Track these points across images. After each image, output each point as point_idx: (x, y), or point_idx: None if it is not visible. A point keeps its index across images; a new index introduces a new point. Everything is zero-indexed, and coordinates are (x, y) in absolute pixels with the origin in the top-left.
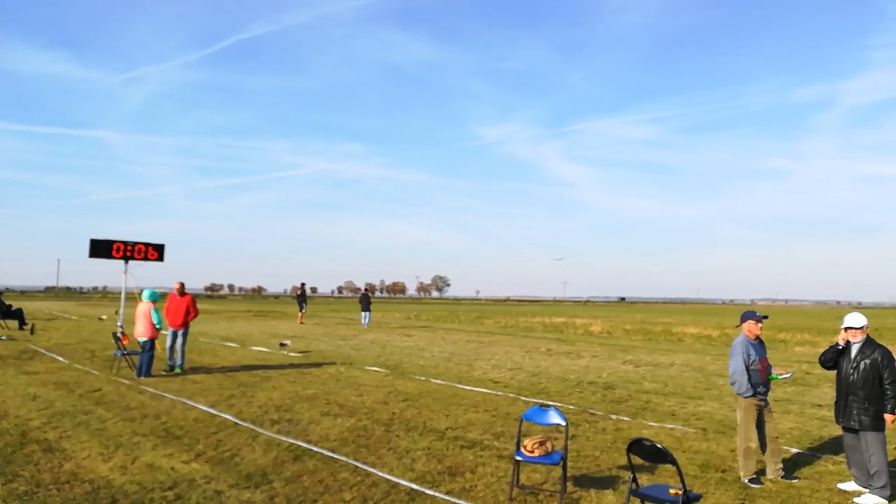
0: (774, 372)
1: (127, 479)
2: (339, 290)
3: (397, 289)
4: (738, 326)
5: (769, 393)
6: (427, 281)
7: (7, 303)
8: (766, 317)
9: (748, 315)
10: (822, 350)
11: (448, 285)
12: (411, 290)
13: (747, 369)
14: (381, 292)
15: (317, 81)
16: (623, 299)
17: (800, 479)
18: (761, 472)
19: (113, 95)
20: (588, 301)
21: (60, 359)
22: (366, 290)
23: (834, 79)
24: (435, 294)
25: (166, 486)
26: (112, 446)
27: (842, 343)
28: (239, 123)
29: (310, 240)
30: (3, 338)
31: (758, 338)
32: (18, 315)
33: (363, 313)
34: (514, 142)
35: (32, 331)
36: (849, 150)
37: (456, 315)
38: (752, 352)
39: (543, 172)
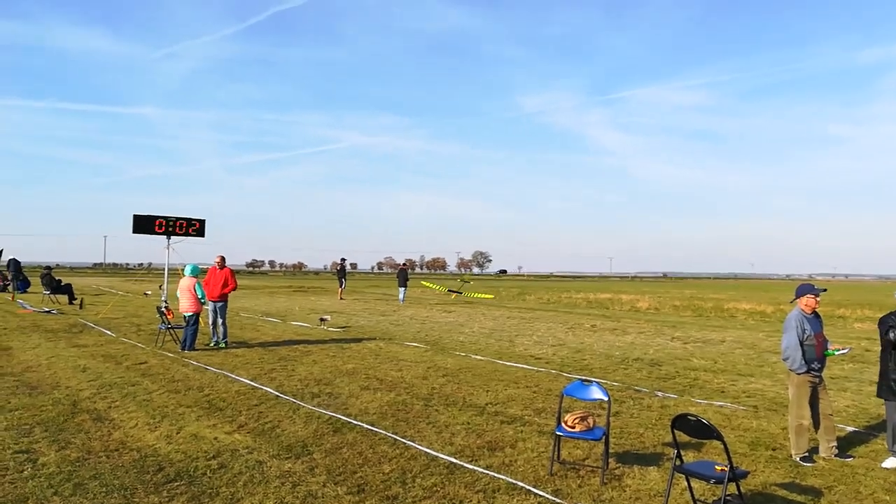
0: (831, 347)
1: (172, 447)
2: (379, 265)
3: (437, 264)
4: (793, 301)
5: (824, 369)
6: (468, 256)
7: (57, 278)
8: (824, 290)
9: (805, 288)
10: None
11: (489, 261)
12: (452, 266)
13: (801, 344)
14: (422, 268)
15: (354, 53)
16: (665, 275)
17: (854, 457)
18: (814, 451)
19: (152, 71)
20: (635, 277)
21: (108, 332)
22: (404, 265)
23: None
24: (476, 270)
25: (210, 455)
26: (158, 416)
27: None
28: (277, 97)
29: (349, 215)
30: (54, 312)
31: (814, 312)
32: (68, 290)
33: (400, 289)
34: (556, 111)
35: (81, 305)
36: None
37: (497, 291)
38: (808, 326)
39: (587, 142)
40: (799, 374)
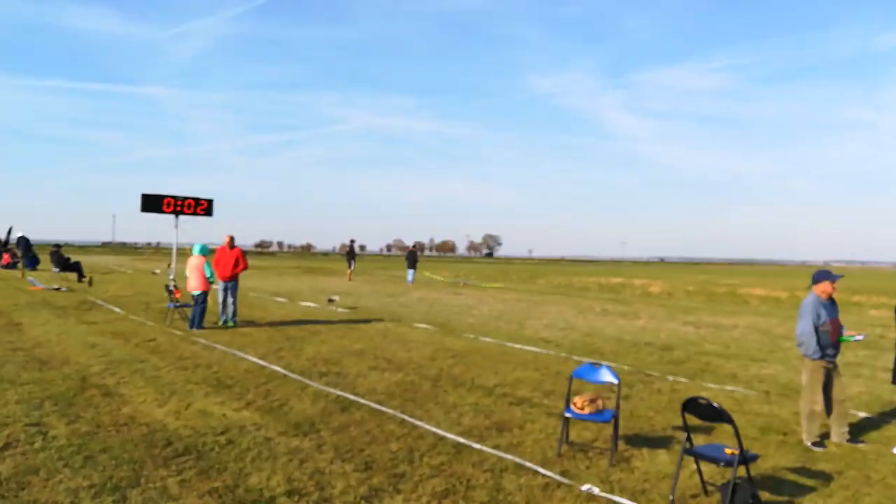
0: (846, 333)
1: (181, 423)
2: (388, 247)
3: (447, 247)
4: (810, 287)
5: (838, 355)
6: (477, 240)
7: (66, 256)
8: (841, 276)
9: (823, 275)
10: None
11: (499, 244)
12: (461, 249)
13: (816, 330)
14: (431, 251)
15: (365, 32)
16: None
17: (866, 443)
18: (825, 436)
19: (161, 51)
20: (648, 262)
21: (117, 310)
22: (413, 247)
23: None
24: (485, 253)
25: (218, 431)
26: (167, 393)
27: None
28: (287, 77)
29: (359, 196)
30: (63, 289)
31: (830, 298)
32: (77, 268)
33: (409, 271)
34: (570, 93)
35: (91, 283)
36: None
37: (507, 274)
38: (823, 312)
39: (601, 125)
40: (813, 359)
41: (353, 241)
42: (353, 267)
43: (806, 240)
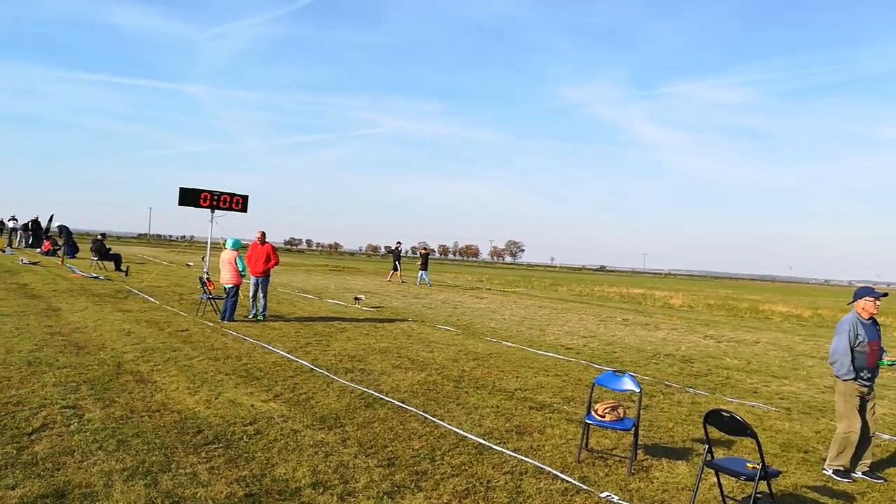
0: (886, 358)
1: (211, 412)
2: (413, 250)
3: (470, 252)
4: (850, 304)
5: (874, 380)
6: (501, 245)
7: (107, 247)
8: (885, 294)
9: (864, 291)
10: None
11: (522, 251)
12: (484, 254)
13: (852, 350)
14: (455, 255)
15: (397, 37)
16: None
17: (886, 480)
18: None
19: (200, 50)
20: (668, 274)
21: (152, 300)
22: (424, 249)
23: None
24: (508, 259)
25: (247, 421)
26: (198, 382)
27: None
28: (319, 79)
29: (385, 199)
30: (101, 278)
31: (872, 318)
32: (116, 258)
33: (420, 272)
34: (597, 103)
35: (127, 273)
36: None
37: (529, 281)
38: (862, 332)
39: (627, 135)
40: (844, 380)
41: (399, 244)
42: (398, 269)
43: (830, 258)
